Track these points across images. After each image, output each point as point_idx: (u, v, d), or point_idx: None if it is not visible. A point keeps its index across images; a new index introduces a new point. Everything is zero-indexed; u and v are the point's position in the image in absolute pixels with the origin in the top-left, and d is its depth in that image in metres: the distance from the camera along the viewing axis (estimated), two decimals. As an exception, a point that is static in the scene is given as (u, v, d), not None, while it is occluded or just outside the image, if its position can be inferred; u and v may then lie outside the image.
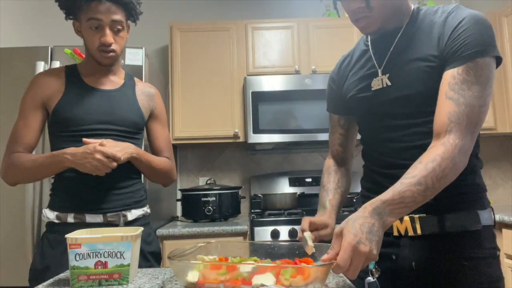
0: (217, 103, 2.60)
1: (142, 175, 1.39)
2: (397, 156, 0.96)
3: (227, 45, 2.65)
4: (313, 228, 0.99)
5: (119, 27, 1.26)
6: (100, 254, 0.87)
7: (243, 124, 2.58)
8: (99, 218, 1.24)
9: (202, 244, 0.95)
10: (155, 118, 1.45)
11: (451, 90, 0.85)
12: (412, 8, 1.00)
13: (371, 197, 0.92)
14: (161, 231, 2.11)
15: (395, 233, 0.95)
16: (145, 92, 1.43)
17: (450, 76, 0.86)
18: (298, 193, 2.58)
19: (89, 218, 1.23)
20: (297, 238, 0.98)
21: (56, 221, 1.23)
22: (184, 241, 2.11)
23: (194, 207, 2.39)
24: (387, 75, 0.98)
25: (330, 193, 1.12)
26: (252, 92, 2.49)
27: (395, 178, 0.86)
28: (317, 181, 2.77)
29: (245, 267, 0.76)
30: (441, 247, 0.90)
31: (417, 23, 0.97)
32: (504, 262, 2.17)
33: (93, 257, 0.86)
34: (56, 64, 1.92)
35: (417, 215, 0.91)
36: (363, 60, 1.07)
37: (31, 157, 1.23)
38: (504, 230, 2.17)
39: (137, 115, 1.36)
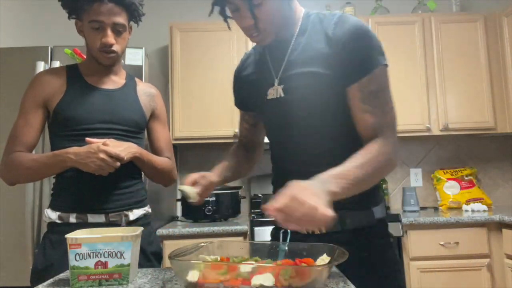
0: (217, 103, 2.60)
1: (143, 175, 1.39)
2: (296, 163, 1.03)
3: (227, 45, 2.65)
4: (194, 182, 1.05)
5: (121, 29, 1.26)
6: (100, 254, 0.86)
7: (243, 124, 2.57)
8: (101, 218, 1.23)
9: (204, 244, 0.95)
10: (156, 118, 1.45)
11: (363, 104, 0.93)
12: (303, 14, 1.04)
13: None
14: (161, 231, 2.12)
15: (305, 231, 1.01)
16: (146, 92, 1.43)
17: (357, 90, 0.94)
18: (298, 193, 2.57)
19: (91, 218, 1.23)
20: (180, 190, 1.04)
21: (58, 221, 1.23)
22: (184, 241, 2.11)
23: (194, 207, 2.38)
24: (282, 86, 1.01)
25: (223, 162, 1.18)
26: (252, 92, 2.49)
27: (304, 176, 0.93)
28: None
29: (245, 267, 0.76)
30: (344, 242, 0.94)
31: (307, 33, 1.01)
32: (504, 262, 2.18)
33: (93, 257, 0.86)
34: (56, 64, 1.92)
35: None
36: (261, 65, 1.10)
37: (32, 156, 1.23)
38: (504, 230, 2.17)
39: (139, 115, 1.36)
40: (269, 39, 1.00)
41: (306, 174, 0.94)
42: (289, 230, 1.02)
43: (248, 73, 1.15)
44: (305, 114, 0.99)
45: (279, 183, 1.07)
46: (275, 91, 1.03)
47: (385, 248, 1.01)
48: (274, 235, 1.13)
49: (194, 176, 1.07)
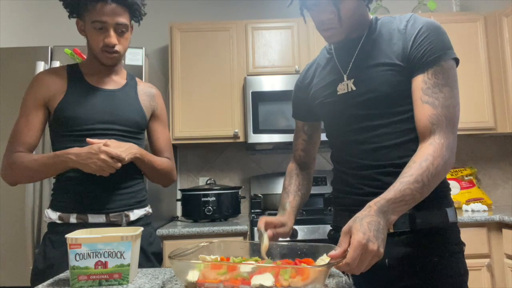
0: (217, 103, 2.60)
1: (144, 175, 1.39)
2: (367, 157, 1.00)
3: (227, 45, 2.65)
4: (271, 227, 1.05)
5: (124, 29, 1.26)
6: (100, 254, 0.87)
7: (243, 124, 2.58)
8: (101, 218, 1.24)
9: (204, 244, 0.95)
10: (156, 118, 1.45)
11: (425, 95, 0.91)
12: (371, 18, 1.06)
13: (345, 197, 1.04)
14: (161, 231, 2.12)
15: None
16: (146, 92, 1.43)
17: (421, 81, 0.92)
18: (298, 193, 2.57)
19: (92, 218, 1.23)
20: (258, 238, 1.03)
21: (58, 221, 1.23)
22: (184, 241, 2.11)
23: (194, 207, 2.39)
24: (352, 80, 1.02)
25: (290, 195, 1.19)
26: (252, 92, 2.49)
27: (367, 179, 0.97)
28: (316, 181, 2.77)
29: (245, 267, 0.76)
30: (412, 244, 0.94)
31: (376, 32, 1.03)
32: (504, 262, 2.18)
33: (93, 257, 0.86)
34: (56, 64, 1.92)
35: None
36: (328, 67, 1.11)
37: (32, 157, 1.23)
38: (504, 230, 2.17)
39: (140, 115, 1.36)
40: (342, 36, 1.01)
41: (375, 168, 0.97)
42: None
43: (312, 78, 1.16)
44: (377, 104, 0.98)
45: (341, 184, 1.08)
46: (345, 86, 1.03)
47: (458, 256, 0.96)
48: (333, 236, 1.11)
49: (273, 221, 1.06)
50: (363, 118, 1.00)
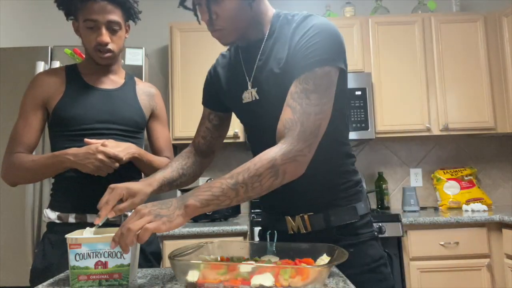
0: (217, 103, 2.59)
1: (143, 175, 1.39)
2: None
3: (227, 45, 2.65)
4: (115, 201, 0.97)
5: (116, 27, 1.25)
6: (100, 254, 0.86)
7: (243, 124, 2.58)
8: None
9: (204, 244, 0.95)
10: (156, 118, 1.44)
11: (291, 99, 0.87)
12: (272, 16, 1.00)
13: (267, 201, 1.08)
14: (161, 231, 2.12)
15: (290, 231, 1.02)
16: (145, 91, 1.42)
17: (293, 86, 0.88)
18: (298, 193, 2.57)
19: (91, 218, 1.23)
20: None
21: (57, 221, 1.23)
22: (184, 241, 2.11)
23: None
24: (256, 89, 0.99)
25: (169, 169, 1.10)
26: (252, 92, 2.49)
27: (284, 185, 0.88)
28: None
29: (245, 267, 0.76)
30: (329, 239, 0.95)
31: (275, 34, 0.97)
32: (504, 262, 2.18)
33: (93, 257, 0.86)
34: (56, 64, 1.92)
35: (306, 215, 0.99)
36: (235, 66, 1.07)
37: (32, 157, 1.23)
38: (504, 230, 2.17)
39: (138, 115, 1.36)
40: (230, 39, 0.98)
41: None
42: (275, 231, 1.03)
43: (223, 74, 1.11)
44: (279, 115, 0.93)
45: None
46: (250, 94, 1.00)
47: (370, 242, 1.01)
48: (262, 235, 1.12)
49: (119, 192, 0.97)
50: (269, 128, 0.96)
